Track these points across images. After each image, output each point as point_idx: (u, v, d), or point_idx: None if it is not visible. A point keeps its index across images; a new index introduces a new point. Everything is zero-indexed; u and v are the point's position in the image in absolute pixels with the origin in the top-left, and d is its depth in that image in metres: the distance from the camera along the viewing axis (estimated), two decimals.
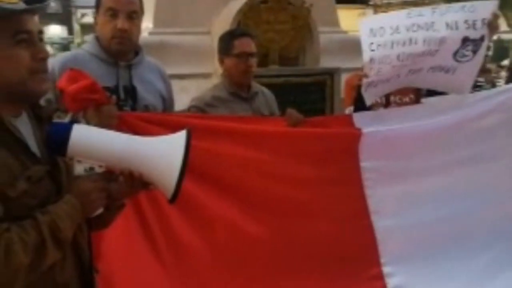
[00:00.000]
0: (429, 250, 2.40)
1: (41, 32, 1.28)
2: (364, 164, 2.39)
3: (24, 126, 1.29)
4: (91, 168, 1.29)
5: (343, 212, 2.35)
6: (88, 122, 1.93)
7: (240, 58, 2.43)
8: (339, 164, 2.37)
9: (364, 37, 2.32)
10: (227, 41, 2.47)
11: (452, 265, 2.39)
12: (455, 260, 2.40)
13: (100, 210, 1.32)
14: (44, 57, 1.26)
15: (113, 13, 2.06)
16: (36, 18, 1.28)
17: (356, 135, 2.34)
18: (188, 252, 2.03)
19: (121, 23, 2.05)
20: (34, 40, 1.24)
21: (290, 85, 3.72)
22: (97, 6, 2.12)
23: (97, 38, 2.16)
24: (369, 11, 20.02)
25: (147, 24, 4.25)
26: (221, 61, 2.49)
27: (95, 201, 1.28)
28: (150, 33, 4.10)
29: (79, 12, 34.49)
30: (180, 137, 1.29)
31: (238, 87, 2.47)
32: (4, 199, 1.16)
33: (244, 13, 3.79)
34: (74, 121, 1.38)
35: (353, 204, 2.38)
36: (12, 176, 1.18)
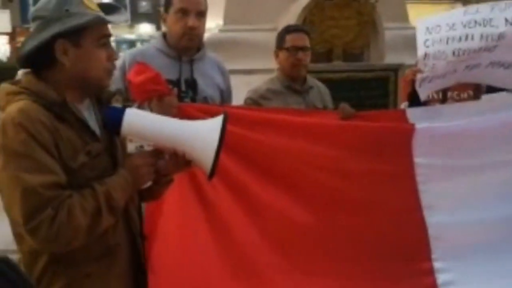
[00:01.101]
0: (483, 248, 2.36)
1: (108, 36, 1.50)
2: (417, 159, 2.39)
3: (86, 109, 1.50)
4: (141, 147, 1.47)
5: (395, 206, 2.36)
6: (151, 111, 2.14)
7: (291, 51, 2.54)
8: (391, 159, 2.38)
9: (420, 35, 2.34)
10: (281, 36, 2.59)
11: (506, 264, 2.35)
12: (510, 260, 2.35)
13: (148, 183, 1.49)
14: (116, 58, 1.50)
15: (184, 13, 2.24)
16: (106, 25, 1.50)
17: (409, 130, 2.35)
18: (239, 238, 2.13)
19: (191, 21, 2.23)
20: (109, 44, 1.47)
21: (353, 81, 3.77)
22: (167, 7, 2.30)
23: (164, 35, 2.35)
24: (458, 5, 19.14)
25: (217, 21, 4.46)
26: (276, 55, 2.61)
27: (144, 175, 1.45)
28: (220, 30, 4.30)
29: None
30: (217, 120, 1.43)
31: (291, 80, 2.57)
32: (67, 170, 1.36)
33: (310, 10, 3.88)
34: (127, 106, 1.56)
35: (406, 198, 2.38)
36: (74, 150, 1.39)
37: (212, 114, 2.17)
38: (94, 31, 1.42)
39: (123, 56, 2.35)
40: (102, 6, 1.49)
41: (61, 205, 1.31)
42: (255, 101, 2.55)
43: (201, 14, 2.27)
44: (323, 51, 3.97)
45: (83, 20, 1.39)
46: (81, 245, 1.40)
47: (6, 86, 1.45)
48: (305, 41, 2.55)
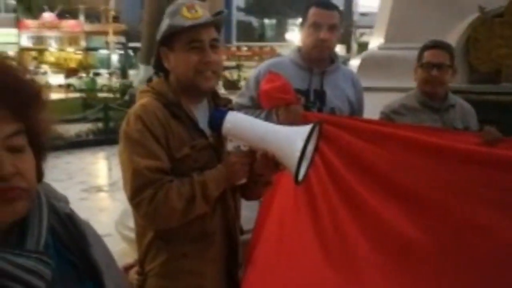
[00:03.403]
0: None
1: (214, 39, 1.67)
2: None
3: (201, 111, 1.70)
4: (238, 147, 1.62)
5: None
6: (278, 118, 2.29)
7: (426, 68, 2.46)
8: None
9: None
10: (421, 52, 2.53)
11: None
12: None
13: (243, 180, 1.63)
14: (209, 60, 1.63)
15: (317, 26, 2.36)
16: (212, 29, 1.67)
17: None
18: (350, 247, 2.14)
19: (323, 34, 2.34)
20: (204, 47, 1.63)
21: None
22: (303, 21, 2.46)
23: (299, 48, 2.50)
24: None
25: (379, 39, 4.45)
26: (415, 71, 2.56)
27: (238, 172, 1.60)
28: (380, 48, 4.28)
29: (358, 31, 36.26)
30: (306, 128, 1.50)
31: (429, 97, 2.49)
32: (172, 159, 1.58)
33: (475, 28, 3.65)
34: (230, 108, 1.72)
35: None
36: (181, 143, 1.60)
37: (333, 123, 2.26)
38: (182, 36, 1.62)
39: (259, 66, 2.56)
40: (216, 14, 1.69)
41: (161, 187, 1.53)
42: (387, 116, 2.54)
43: (333, 28, 2.36)
44: (489, 71, 3.69)
45: (164, 27, 1.62)
46: (180, 227, 1.60)
47: (142, 86, 1.75)
48: (442, 58, 2.45)
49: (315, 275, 1.97)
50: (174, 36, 1.62)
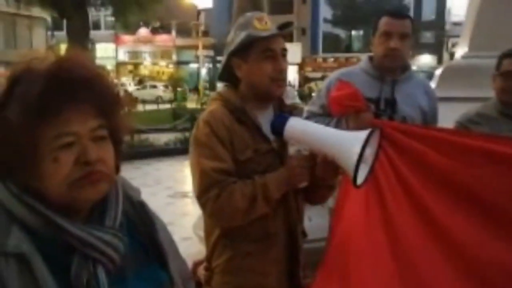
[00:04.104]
0: None
1: (284, 49, 1.77)
2: None
3: (266, 117, 1.79)
4: (299, 151, 1.69)
5: None
6: (347, 126, 2.32)
7: (504, 77, 2.38)
8: None
9: None
10: (499, 60, 2.45)
11: None
12: None
13: (304, 184, 1.69)
14: (281, 68, 1.74)
15: (388, 35, 2.38)
16: (281, 39, 1.78)
17: None
18: (416, 256, 2.11)
19: (393, 43, 2.35)
20: (277, 56, 1.74)
21: None
22: (374, 31, 2.49)
23: (370, 58, 2.52)
24: None
25: (464, 49, 4.31)
26: (493, 79, 2.49)
27: (299, 175, 1.67)
28: (463, 57, 4.15)
29: (450, 41, 34.85)
30: (364, 133, 1.54)
31: (508, 106, 2.41)
32: (236, 161, 1.69)
33: None
34: (294, 115, 1.79)
35: None
36: (245, 147, 1.71)
37: (408, 134, 2.24)
38: (257, 46, 1.72)
39: (331, 75, 2.60)
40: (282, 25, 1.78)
41: (226, 187, 1.64)
42: (462, 125, 2.48)
43: (404, 37, 2.36)
44: None
45: (239, 39, 1.71)
46: (243, 226, 1.70)
47: (213, 93, 1.88)
48: None
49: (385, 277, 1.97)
50: (248, 46, 1.73)
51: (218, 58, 39.05)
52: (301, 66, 40.54)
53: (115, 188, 0.97)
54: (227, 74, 1.82)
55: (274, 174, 1.68)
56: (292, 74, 36.03)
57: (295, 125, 1.67)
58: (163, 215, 1.12)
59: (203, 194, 1.66)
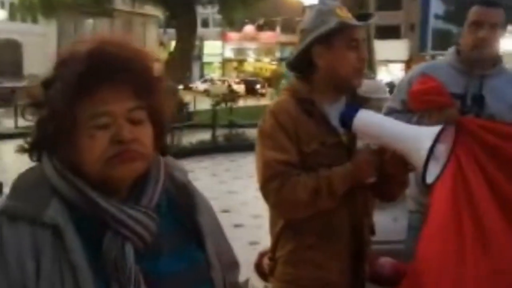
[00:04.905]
0: None
1: (364, 40, 1.73)
2: None
3: (337, 109, 1.75)
4: (368, 145, 1.63)
5: None
6: (430, 122, 2.20)
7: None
8: None
9: None
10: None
11: None
12: None
13: (371, 179, 1.64)
14: (364, 58, 1.71)
15: (477, 25, 2.20)
16: (362, 29, 1.75)
17: None
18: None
19: (482, 33, 2.17)
20: (360, 46, 1.71)
21: None
22: (463, 21, 2.30)
23: (457, 50, 2.34)
24: None
25: None
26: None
27: (365, 170, 1.61)
28: None
29: None
30: (436, 128, 1.45)
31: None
32: (301, 153, 1.67)
33: None
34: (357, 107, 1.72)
35: None
36: (310, 138, 1.68)
37: (496, 133, 2.08)
38: (343, 35, 1.68)
39: (413, 69, 2.47)
40: (361, 15, 1.74)
41: (288, 179, 1.62)
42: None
43: (495, 26, 2.18)
44: None
45: (331, 25, 1.66)
46: (306, 219, 1.68)
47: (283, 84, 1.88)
48: None
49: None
50: (333, 34, 1.69)
51: None
52: (408, 64, 39.00)
53: (156, 169, 1.00)
54: (302, 63, 1.78)
55: (340, 168, 1.64)
56: (397, 72, 34.78)
57: (364, 118, 1.61)
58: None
59: (265, 185, 1.66)
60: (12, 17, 32.08)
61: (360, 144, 1.66)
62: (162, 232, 0.96)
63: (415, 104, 2.25)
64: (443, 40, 43.83)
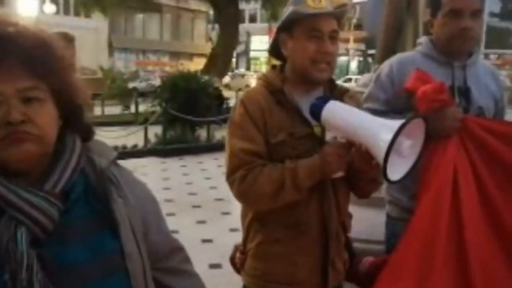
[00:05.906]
0: None
1: (334, 31, 1.64)
2: None
3: (312, 100, 1.69)
4: (335, 137, 1.56)
5: None
6: (433, 124, 2.00)
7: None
8: None
9: None
10: None
11: None
12: None
13: (339, 174, 1.57)
14: (325, 51, 1.62)
15: (456, 13, 2.01)
16: (333, 20, 1.64)
17: None
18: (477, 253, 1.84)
19: (465, 22, 1.99)
20: (323, 37, 1.62)
21: None
22: (435, 9, 2.10)
23: (430, 40, 2.15)
24: None
25: None
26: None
27: (331, 163, 1.54)
28: None
29: None
30: (396, 123, 1.37)
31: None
32: (267, 144, 1.62)
33: None
34: (335, 99, 1.64)
35: None
36: (279, 129, 1.63)
37: (498, 134, 1.93)
38: (304, 25, 1.61)
39: (389, 62, 2.21)
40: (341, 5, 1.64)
41: (253, 169, 1.58)
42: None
43: (476, 14, 2.01)
44: None
45: (288, 14, 1.61)
46: (274, 212, 1.63)
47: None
48: None
49: None
50: (295, 23, 1.64)
51: (369, 51, 38.12)
52: None
53: (69, 153, 0.97)
54: (278, 51, 1.74)
55: (307, 160, 1.58)
56: None
57: (332, 109, 1.55)
58: None
59: (230, 175, 1.63)
60: (66, 11, 33.14)
61: (328, 136, 1.60)
62: (72, 219, 0.94)
63: (420, 104, 1.97)
64: (499, 39, 42.05)
